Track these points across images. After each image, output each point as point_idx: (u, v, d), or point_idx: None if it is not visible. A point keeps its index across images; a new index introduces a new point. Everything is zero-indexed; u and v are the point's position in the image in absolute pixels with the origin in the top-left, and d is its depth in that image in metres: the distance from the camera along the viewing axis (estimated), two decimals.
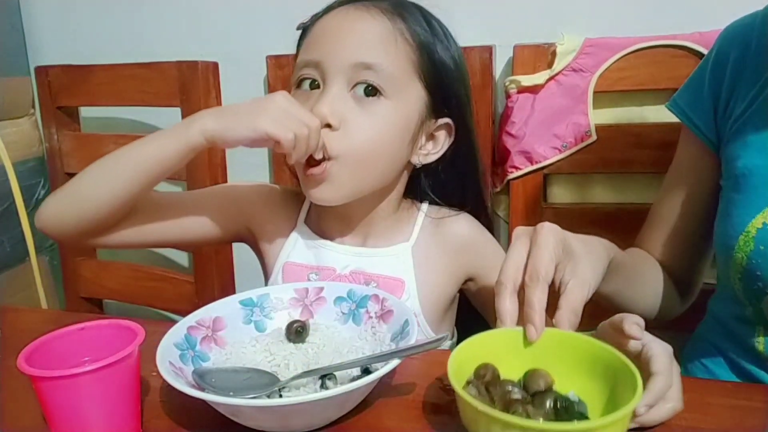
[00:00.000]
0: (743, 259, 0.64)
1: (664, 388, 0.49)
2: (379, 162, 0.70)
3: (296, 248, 0.78)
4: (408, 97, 0.70)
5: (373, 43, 0.68)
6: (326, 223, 0.78)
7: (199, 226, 0.78)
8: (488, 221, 0.82)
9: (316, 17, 0.73)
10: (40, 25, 1.36)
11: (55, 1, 1.35)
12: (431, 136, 0.74)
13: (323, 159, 0.68)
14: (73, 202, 0.69)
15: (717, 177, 0.72)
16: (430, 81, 0.71)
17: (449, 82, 0.73)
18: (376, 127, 0.68)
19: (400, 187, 0.77)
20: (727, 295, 0.71)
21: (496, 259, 0.76)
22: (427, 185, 0.79)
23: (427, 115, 0.72)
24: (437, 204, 0.79)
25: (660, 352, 0.50)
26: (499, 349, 0.51)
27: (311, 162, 0.68)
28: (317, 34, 0.71)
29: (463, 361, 0.48)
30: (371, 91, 0.68)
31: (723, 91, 0.71)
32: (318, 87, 0.69)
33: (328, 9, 0.73)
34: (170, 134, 0.67)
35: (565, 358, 0.50)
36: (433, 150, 0.75)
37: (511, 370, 0.50)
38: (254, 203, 0.80)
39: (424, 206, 0.79)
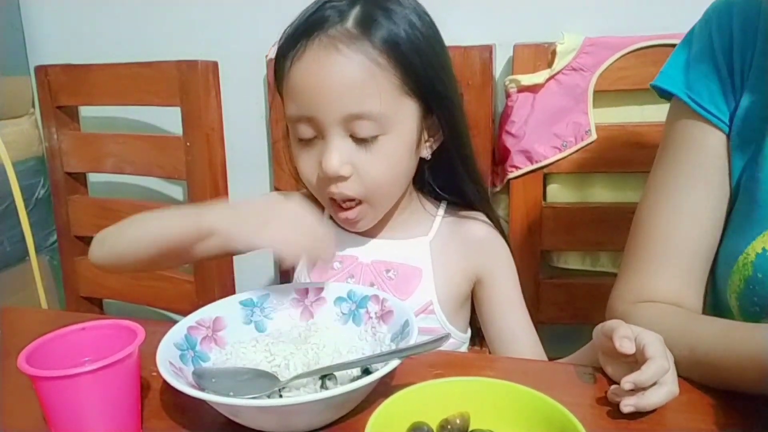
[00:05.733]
0: (740, 282, 0.59)
1: (659, 371, 0.50)
2: (399, 183, 0.74)
3: None
4: (404, 119, 0.70)
5: (356, 90, 0.65)
6: None
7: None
8: (495, 217, 0.83)
9: (285, 53, 0.69)
10: (40, 25, 1.36)
11: (55, 1, 1.34)
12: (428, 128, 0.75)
13: (352, 201, 0.71)
14: (113, 258, 0.74)
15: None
16: (414, 84, 0.68)
17: (424, 62, 0.69)
18: (386, 162, 0.69)
19: (411, 177, 0.78)
20: (723, 307, 0.65)
21: (504, 269, 0.79)
22: (428, 175, 0.80)
23: (423, 117, 0.72)
24: (455, 204, 0.82)
25: (652, 340, 0.52)
26: (433, 404, 0.47)
27: (342, 205, 0.72)
28: (299, 87, 0.68)
29: (390, 420, 0.44)
30: (369, 134, 0.68)
31: (735, 69, 0.58)
32: (317, 137, 0.69)
33: (296, 44, 0.68)
34: (183, 219, 0.66)
35: (506, 412, 0.46)
36: (435, 139, 0.76)
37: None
38: None
39: (443, 206, 0.82)
